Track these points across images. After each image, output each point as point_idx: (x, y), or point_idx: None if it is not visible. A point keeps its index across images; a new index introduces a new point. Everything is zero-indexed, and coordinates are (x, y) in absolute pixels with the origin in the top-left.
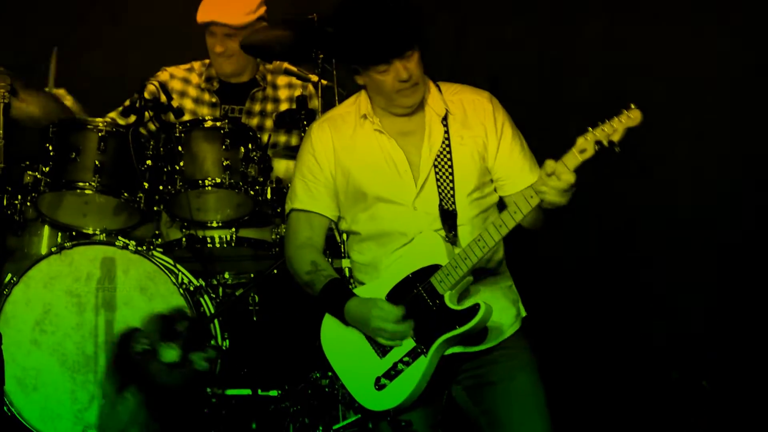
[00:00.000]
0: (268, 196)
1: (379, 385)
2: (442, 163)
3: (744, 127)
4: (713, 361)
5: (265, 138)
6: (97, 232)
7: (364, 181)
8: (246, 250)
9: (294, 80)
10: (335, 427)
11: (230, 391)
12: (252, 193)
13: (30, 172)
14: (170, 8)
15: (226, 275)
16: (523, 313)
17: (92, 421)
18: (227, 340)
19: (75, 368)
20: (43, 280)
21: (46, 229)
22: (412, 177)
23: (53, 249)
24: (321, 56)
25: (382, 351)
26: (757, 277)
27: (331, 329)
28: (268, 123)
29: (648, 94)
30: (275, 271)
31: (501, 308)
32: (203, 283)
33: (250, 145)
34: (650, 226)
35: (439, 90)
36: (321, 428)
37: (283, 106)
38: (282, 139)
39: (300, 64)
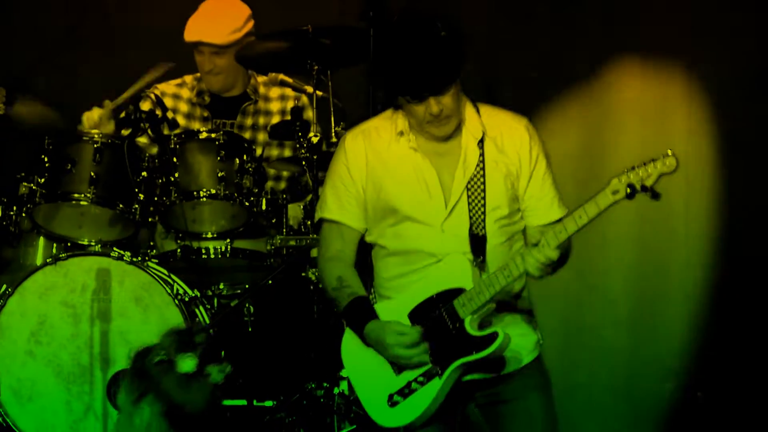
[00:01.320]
0: (263, 207)
1: (392, 402)
2: (475, 186)
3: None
4: (708, 372)
5: (259, 151)
6: (93, 243)
7: (394, 197)
8: (241, 261)
9: (287, 92)
10: None
11: (225, 402)
12: (247, 204)
13: (25, 184)
14: (165, 17)
15: (221, 286)
16: (542, 340)
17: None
18: (222, 351)
19: (70, 379)
20: (38, 291)
21: (42, 240)
22: (443, 199)
23: (48, 260)
24: (316, 67)
25: (399, 368)
26: (754, 286)
27: (352, 341)
28: (261, 136)
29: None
30: (270, 282)
31: (520, 335)
32: (198, 294)
33: (245, 157)
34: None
35: (478, 111)
36: None
37: (275, 119)
38: (275, 152)
39: (295, 76)
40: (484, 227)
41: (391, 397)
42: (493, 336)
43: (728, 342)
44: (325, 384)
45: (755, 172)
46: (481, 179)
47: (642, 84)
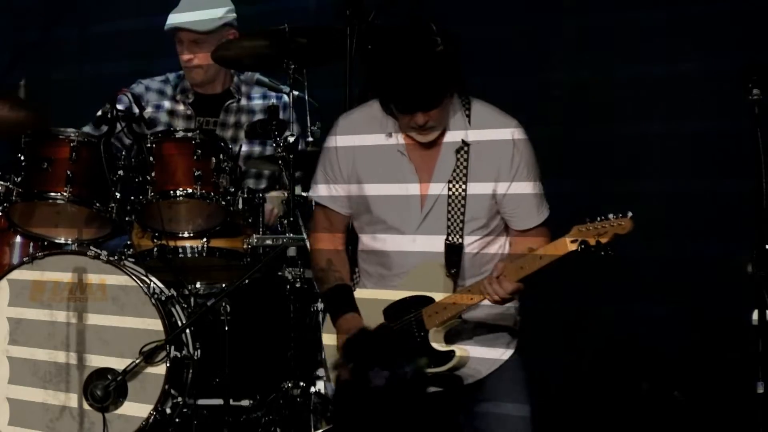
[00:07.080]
0: (240, 206)
1: None
2: (455, 194)
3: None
4: (685, 370)
5: (236, 148)
6: (69, 242)
7: (373, 198)
8: (217, 260)
9: (268, 92)
10: None
11: (202, 401)
12: (223, 203)
13: (2, 183)
14: (144, 16)
15: (198, 285)
16: (513, 353)
17: (65, 431)
18: (199, 350)
19: (46, 378)
20: (14, 290)
21: (18, 239)
22: (420, 206)
23: (25, 259)
24: (293, 67)
25: None
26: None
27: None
28: (243, 135)
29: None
30: (247, 281)
31: (494, 338)
32: (174, 293)
33: (221, 156)
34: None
35: (468, 113)
36: None
37: (258, 118)
38: (256, 150)
39: (272, 75)
40: (461, 237)
41: None
42: (450, 354)
43: (705, 340)
44: (301, 383)
45: None
46: (462, 188)
47: None
